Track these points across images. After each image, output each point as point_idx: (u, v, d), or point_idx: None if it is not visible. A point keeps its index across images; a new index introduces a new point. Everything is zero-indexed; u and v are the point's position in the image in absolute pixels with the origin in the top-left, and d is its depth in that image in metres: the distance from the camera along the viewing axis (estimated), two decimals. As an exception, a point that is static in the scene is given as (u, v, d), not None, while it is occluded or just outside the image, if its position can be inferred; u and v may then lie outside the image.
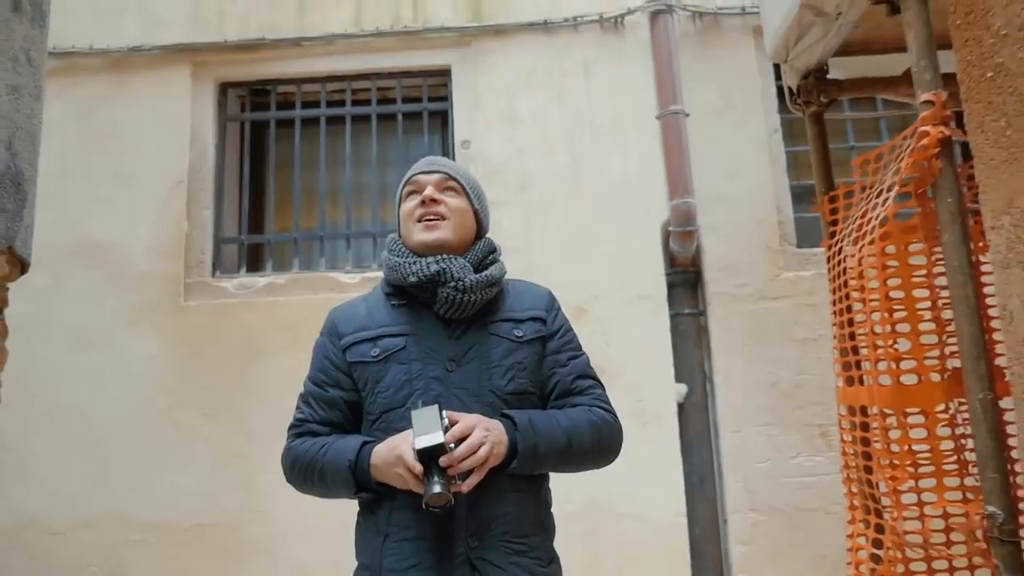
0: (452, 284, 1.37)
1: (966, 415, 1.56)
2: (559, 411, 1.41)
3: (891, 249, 1.69)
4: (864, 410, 1.87)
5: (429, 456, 1.19)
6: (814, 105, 2.21)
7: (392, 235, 1.52)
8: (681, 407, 3.25)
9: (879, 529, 1.77)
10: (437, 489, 1.17)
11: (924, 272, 1.69)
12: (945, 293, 1.58)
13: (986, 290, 1.63)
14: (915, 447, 1.66)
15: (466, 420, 1.27)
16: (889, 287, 1.70)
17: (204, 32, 3.63)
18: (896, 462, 1.68)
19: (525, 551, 1.32)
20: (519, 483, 1.35)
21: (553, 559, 1.40)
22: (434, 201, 1.44)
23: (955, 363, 1.57)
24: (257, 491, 3.15)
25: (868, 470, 1.82)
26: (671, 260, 3.39)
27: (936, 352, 1.66)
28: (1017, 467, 1.48)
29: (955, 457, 1.65)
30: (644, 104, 3.47)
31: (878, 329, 1.72)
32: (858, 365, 1.90)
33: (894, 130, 3.43)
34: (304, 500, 1.44)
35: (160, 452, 3.23)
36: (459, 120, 3.57)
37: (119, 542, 3.18)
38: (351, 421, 1.42)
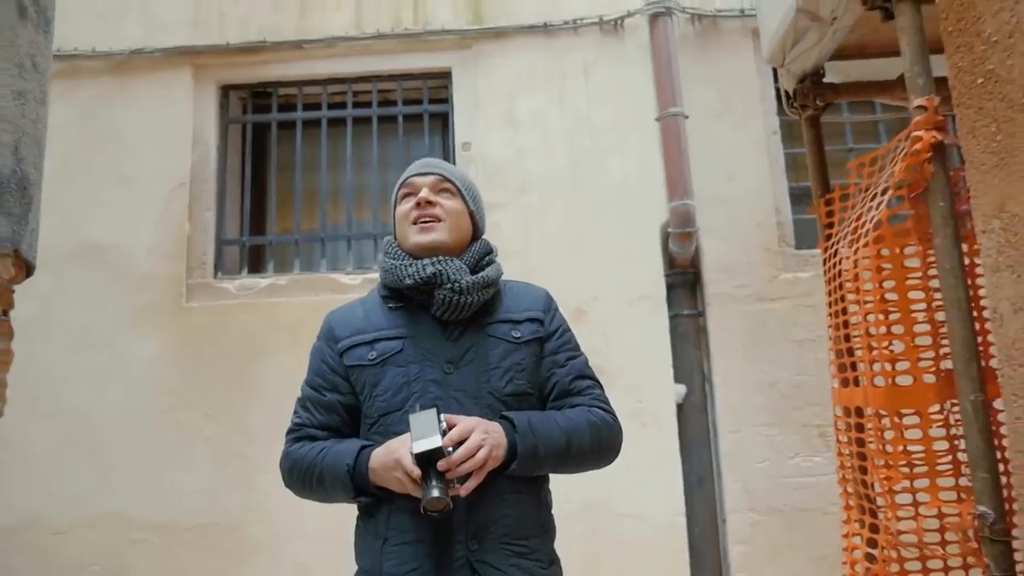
0: (448, 286, 1.36)
1: (959, 416, 1.57)
2: (558, 412, 1.40)
3: (886, 252, 1.70)
4: (859, 411, 1.88)
5: (427, 460, 1.19)
6: (810, 109, 2.23)
7: (388, 238, 1.52)
8: (680, 408, 3.26)
9: (874, 529, 1.78)
10: (435, 493, 1.17)
11: (919, 275, 1.70)
12: (939, 295, 1.59)
13: (980, 292, 1.65)
14: (910, 448, 1.67)
15: (464, 423, 1.26)
16: (884, 289, 1.71)
17: (206, 35, 3.65)
18: (891, 462, 1.69)
19: (525, 553, 1.31)
20: (519, 485, 1.33)
21: (554, 560, 1.38)
22: (429, 203, 1.43)
23: (949, 365, 1.59)
24: (258, 491, 3.16)
25: (863, 470, 1.83)
26: (670, 261, 3.41)
27: (930, 354, 1.67)
28: (1009, 468, 1.49)
29: (949, 458, 1.66)
30: (643, 106, 3.48)
31: (873, 331, 1.74)
32: (853, 366, 1.91)
33: (893, 132, 3.43)
34: (305, 500, 1.45)
35: (162, 452, 3.25)
36: (459, 122, 3.58)
37: (121, 542, 3.20)
38: (349, 425, 1.41)
